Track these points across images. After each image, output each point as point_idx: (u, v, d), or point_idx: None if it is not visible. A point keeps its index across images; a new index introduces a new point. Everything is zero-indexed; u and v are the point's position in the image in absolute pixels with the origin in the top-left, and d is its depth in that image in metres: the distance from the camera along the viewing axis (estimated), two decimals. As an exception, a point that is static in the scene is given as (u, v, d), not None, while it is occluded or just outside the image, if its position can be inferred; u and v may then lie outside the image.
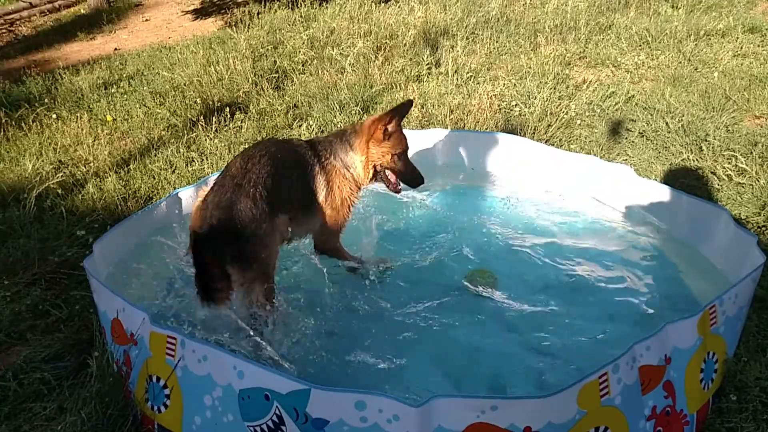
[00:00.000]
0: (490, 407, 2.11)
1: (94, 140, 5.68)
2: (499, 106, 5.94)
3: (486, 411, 2.11)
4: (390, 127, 3.38)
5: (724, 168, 4.52)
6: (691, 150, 4.86)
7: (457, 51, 7.31)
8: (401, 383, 2.78)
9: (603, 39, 7.66)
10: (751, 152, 4.67)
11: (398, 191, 3.58)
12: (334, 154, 3.42)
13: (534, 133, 5.46)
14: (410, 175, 3.52)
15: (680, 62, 6.88)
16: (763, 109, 5.53)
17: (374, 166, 3.45)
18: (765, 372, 2.70)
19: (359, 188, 3.51)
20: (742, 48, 7.10)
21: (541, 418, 2.13)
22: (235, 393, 2.32)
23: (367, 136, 3.40)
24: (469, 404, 2.13)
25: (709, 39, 7.45)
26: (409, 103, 3.48)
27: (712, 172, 4.56)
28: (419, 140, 4.86)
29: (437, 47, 7.58)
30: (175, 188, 4.60)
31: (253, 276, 2.93)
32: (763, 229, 3.86)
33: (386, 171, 3.50)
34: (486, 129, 5.58)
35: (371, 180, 3.51)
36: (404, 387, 2.75)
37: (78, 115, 6.21)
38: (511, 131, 5.46)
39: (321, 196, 3.35)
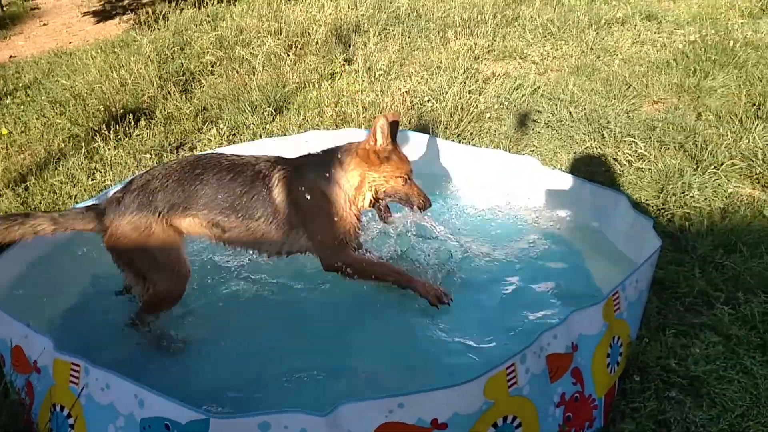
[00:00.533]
0: (397, 405, 2.11)
1: (-12, 156, 5.35)
2: (411, 102, 5.97)
3: (393, 410, 2.11)
4: (379, 148, 3.10)
5: (624, 154, 4.70)
6: (594, 138, 5.02)
7: (370, 48, 7.30)
8: (313, 395, 2.75)
9: (510, 32, 7.82)
10: (650, 137, 4.87)
11: (389, 222, 3.33)
12: (312, 172, 3.18)
13: (446, 127, 5.52)
14: (417, 200, 3.22)
15: (583, 51, 7.11)
16: (660, 94, 5.78)
17: (375, 192, 3.20)
18: (665, 351, 2.82)
19: (350, 206, 3.22)
20: (640, 35, 7.40)
21: (447, 409, 2.14)
22: (137, 422, 2.22)
23: (363, 159, 3.15)
24: (376, 405, 2.12)
25: (610, 27, 7.73)
26: (395, 122, 3.23)
27: (614, 159, 4.72)
28: (334, 142, 4.83)
29: (350, 44, 7.55)
30: (76, 203, 4.39)
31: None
32: (662, 211, 4.03)
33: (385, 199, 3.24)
34: (399, 126, 5.57)
35: (369, 206, 3.26)
36: (314, 399, 2.71)
37: (-31, 129, 5.84)
38: (424, 127, 5.51)
39: (283, 214, 3.14)
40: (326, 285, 3.42)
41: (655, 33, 7.45)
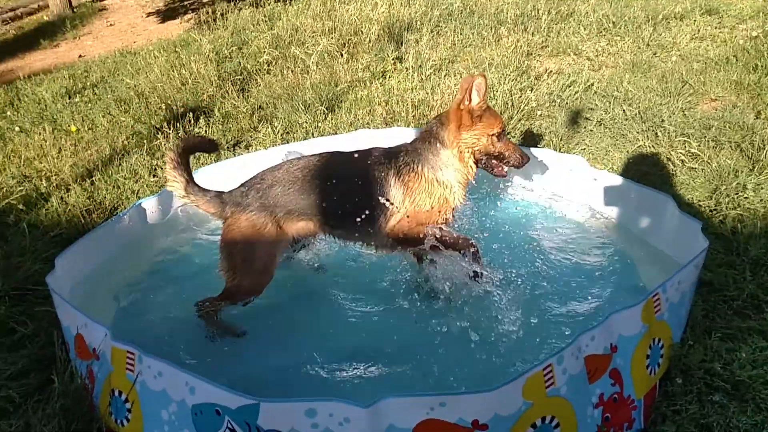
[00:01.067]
0: (439, 404, 2.18)
1: (59, 152, 5.66)
2: (461, 99, 5.98)
3: (435, 408, 2.18)
4: (475, 107, 3.13)
5: (678, 153, 4.62)
6: (647, 136, 4.95)
7: (421, 45, 7.35)
8: (355, 387, 2.85)
9: (564, 27, 7.75)
10: (705, 136, 4.77)
11: (503, 175, 3.36)
12: (418, 160, 3.23)
13: (496, 125, 5.51)
14: (513, 156, 3.30)
15: (639, 47, 6.98)
16: (718, 91, 5.64)
17: (473, 154, 3.24)
18: (710, 354, 2.80)
19: (456, 187, 3.25)
20: (699, 31, 7.22)
21: (487, 411, 2.20)
22: (188, 408, 2.36)
23: (456, 123, 3.18)
24: (418, 402, 2.19)
25: (668, 23, 7.56)
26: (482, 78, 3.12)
27: (667, 158, 4.65)
28: (381, 140, 4.92)
29: (401, 42, 7.62)
30: (139, 198, 4.61)
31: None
32: (714, 212, 3.96)
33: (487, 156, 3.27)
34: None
35: (475, 168, 3.29)
36: (358, 390, 2.81)
37: (42, 126, 6.18)
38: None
39: (395, 205, 3.21)
40: (369, 285, 3.52)
41: (715, 28, 7.25)
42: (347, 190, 3.22)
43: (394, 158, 3.25)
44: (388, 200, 3.19)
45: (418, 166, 3.20)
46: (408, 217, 3.19)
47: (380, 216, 3.21)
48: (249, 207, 3.26)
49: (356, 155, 3.32)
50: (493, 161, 3.31)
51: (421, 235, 3.18)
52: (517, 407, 2.23)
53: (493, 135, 3.20)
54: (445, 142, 3.21)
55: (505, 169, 3.35)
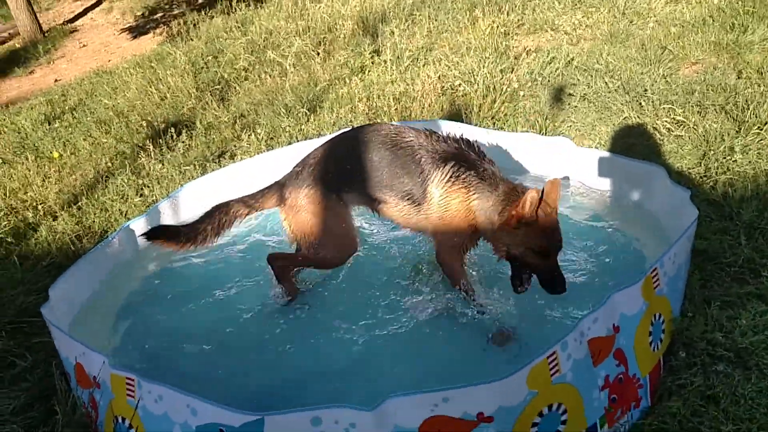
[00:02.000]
0: (442, 399, 2.17)
1: (43, 180, 5.61)
2: (442, 88, 5.96)
3: (439, 404, 2.17)
4: (525, 215, 2.84)
5: (663, 122, 4.60)
6: (632, 107, 4.93)
7: (397, 36, 7.29)
8: (359, 391, 2.83)
9: (539, 3, 7.67)
10: (689, 102, 4.75)
11: (519, 292, 3.07)
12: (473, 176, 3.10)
13: (479, 110, 5.49)
14: (546, 279, 2.95)
15: (615, 17, 6.92)
16: (698, 54, 5.60)
17: (507, 251, 3.02)
18: (710, 324, 2.79)
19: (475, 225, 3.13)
20: (674, -6, 7.17)
21: (492, 403, 2.19)
22: (192, 429, 2.34)
23: (502, 219, 2.98)
24: (422, 400, 2.18)
25: (642, -11, 7.50)
26: (553, 184, 2.93)
27: (653, 128, 4.63)
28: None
29: (377, 35, 7.56)
30: (128, 219, 4.58)
31: None
32: (705, 178, 3.94)
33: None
34: (432, 114, 5.61)
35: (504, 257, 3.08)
36: (361, 393, 2.80)
37: (24, 155, 6.13)
38: (456, 112, 5.50)
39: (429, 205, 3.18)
40: (364, 285, 3.51)
41: (689, -10, 7.20)
42: (391, 173, 3.24)
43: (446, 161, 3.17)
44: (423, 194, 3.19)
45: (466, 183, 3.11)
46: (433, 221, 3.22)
47: (411, 206, 3.24)
48: (304, 183, 3.34)
49: (406, 136, 3.28)
50: (524, 271, 3.07)
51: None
52: (522, 397, 2.22)
53: (530, 248, 2.93)
54: (493, 218, 3.05)
55: (526, 285, 3.07)
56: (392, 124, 3.47)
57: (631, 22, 6.72)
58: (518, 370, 2.20)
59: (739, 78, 5.01)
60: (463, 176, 3.10)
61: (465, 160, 3.15)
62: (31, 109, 7.81)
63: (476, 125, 4.95)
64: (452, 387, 2.20)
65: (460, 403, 2.17)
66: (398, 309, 3.29)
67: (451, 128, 4.58)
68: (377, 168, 3.24)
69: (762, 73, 4.91)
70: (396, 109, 5.70)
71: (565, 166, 4.10)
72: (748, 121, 4.29)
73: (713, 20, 6.04)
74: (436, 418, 2.18)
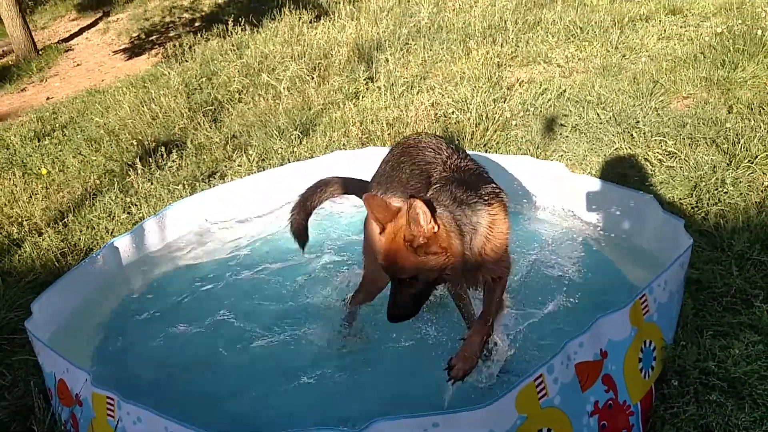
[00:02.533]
0: (432, 424, 2.12)
1: (30, 197, 5.55)
2: (435, 115, 5.99)
3: (428, 429, 2.13)
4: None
5: (655, 153, 4.62)
6: (623, 138, 4.95)
7: (392, 64, 7.35)
8: (344, 413, 2.77)
9: (533, 36, 7.78)
10: (680, 134, 4.78)
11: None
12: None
13: (472, 138, 5.51)
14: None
15: (608, 51, 7.02)
16: (689, 89, 5.67)
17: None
18: (703, 353, 2.75)
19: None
20: (665, 30, 7.28)
21: (482, 428, 2.14)
22: (170, 452, 2.27)
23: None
24: (410, 424, 2.14)
25: (634, 25, 7.62)
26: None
27: (644, 159, 4.65)
28: (358, 160, 4.89)
29: (372, 62, 7.61)
30: (113, 236, 4.51)
31: None
32: (696, 209, 3.94)
33: None
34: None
35: None
36: (344, 416, 2.73)
37: (11, 171, 6.07)
38: (449, 139, 5.50)
39: None
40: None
41: (680, 27, 7.32)
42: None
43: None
44: None
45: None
46: None
47: None
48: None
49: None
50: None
51: None
52: (512, 422, 2.18)
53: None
54: None
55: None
56: (434, 137, 3.27)
57: (623, 56, 6.81)
58: (506, 394, 2.16)
59: (729, 113, 5.06)
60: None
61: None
62: (21, 125, 7.76)
63: (469, 151, 4.94)
64: (442, 412, 2.15)
65: (450, 429, 2.12)
66: (388, 328, 3.22)
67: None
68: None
69: (752, 109, 4.96)
70: (389, 134, 5.70)
71: (558, 191, 4.09)
72: (738, 155, 4.31)
73: (704, 57, 6.12)
74: (424, 443, 2.13)
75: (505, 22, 8.12)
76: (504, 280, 2.82)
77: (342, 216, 4.60)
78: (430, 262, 2.47)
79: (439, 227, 2.46)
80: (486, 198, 2.70)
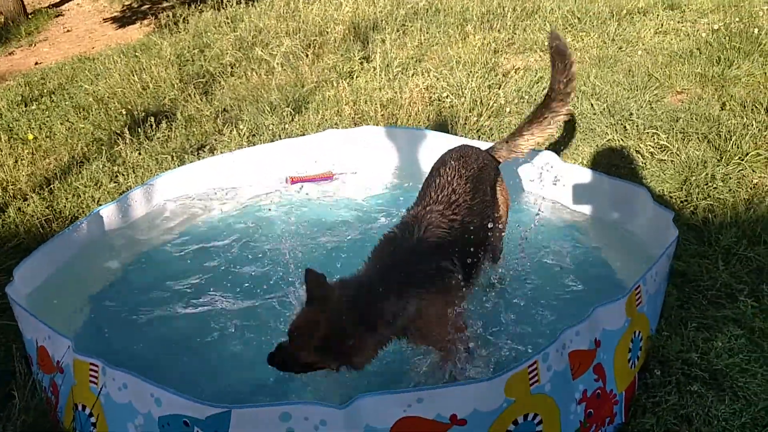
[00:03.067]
0: (416, 400, 2.12)
1: (15, 161, 5.46)
2: (430, 98, 5.95)
3: (412, 404, 2.12)
4: None
5: (647, 146, 4.63)
6: (616, 130, 4.96)
7: (388, 45, 7.28)
8: (332, 389, 2.77)
9: (530, 24, 7.74)
10: (673, 128, 4.79)
11: None
12: None
13: (465, 123, 5.49)
14: None
15: (605, 42, 7.00)
16: (684, 84, 5.67)
17: None
18: (686, 345, 2.78)
19: None
20: (663, 25, 7.27)
21: (466, 406, 2.15)
22: (155, 420, 2.25)
23: None
24: (395, 399, 2.13)
25: (632, 18, 7.60)
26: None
27: (636, 151, 4.66)
28: (351, 139, 4.87)
29: (368, 41, 7.54)
30: (99, 206, 4.46)
31: None
32: (685, 203, 3.96)
33: None
34: (418, 122, 5.59)
35: None
36: (335, 392, 2.73)
37: (-4, 135, 5.96)
38: (443, 123, 5.49)
39: None
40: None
41: (678, 22, 7.31)
42: None
43: None
44: None
45: None
46: None
47: None
48: None
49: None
50: None
51: None
52: (498, 404, 2.18)
53: None
54: None
55: None
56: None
57: (620, 48, 6.80)
58: (497, 376, 2.16)
59: (722, 109, 5.07)
60: None
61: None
62: (8, 89, 7.61)
63: (462, 137, 4.93)
64: (427, 387, 2.15)
65: (433, 405, 2.13)
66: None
67: (439, 138, 4.60)
68: None
69: (745, 106, 4.97)
70: (383, 115, 5.67)
71: (549, 180, 4.09)
72: (729, 151, 4.33)
73: (700, 53, 6.13)
74: (408, 419, 2.13)
75: (504, 9, 8.07)
76: (452, 356, 2.68)
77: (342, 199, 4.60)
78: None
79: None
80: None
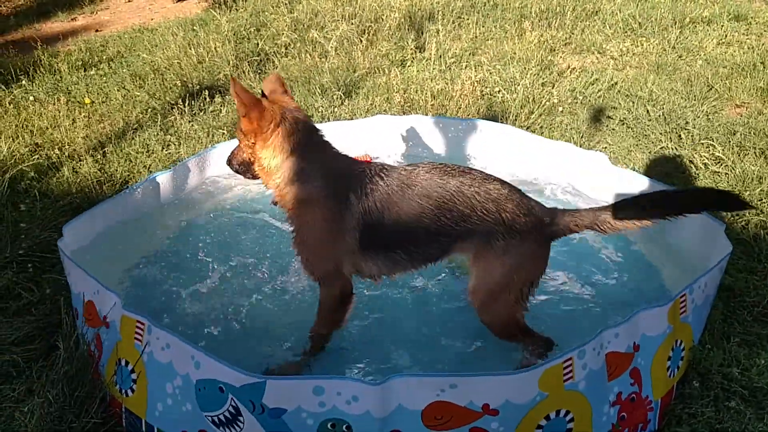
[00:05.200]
0: (449, 385, 2.13)
1: (72, 123, 5.61)
2: (482, 92, 5.91)
3: (446, 389, 2.14)
4: None
5: (701, 156, 4.53)
6: (671, 138, 4.87)
7: (442, 36, 7.26)
8: (366, 366, 2.79)
9: (589, 25, 7.64)
10: (729, 141, 4.68)
11: None
12: None
13: (516, 120, 5.45)
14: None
15: (665, 49, 6.87)
16: (744, 98, 5.54)
17: None
18: (728, 359, 2.73)
19: None
20: (726, 36, 7.11)
21: (499, 396, 2.15)
22: (192, 383, 2.31)
23: None
24: (429, 383, 2.15)
25: (695, 26, 7.44)
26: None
27: (689, 161, 4.57)
28: (400, 126, 4.86)
29: (422, 31, 7.53)
30: (150, 172, 4.56)
31: None
32: (737, 217, 3.87)
33: None
34: (468, 115, 5.56)
35: None
36: (367, 370, 2.75)
37: (56, 97, 6.13)
38: (493, 118, 5.45)
39: None
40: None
41: (743, 34, 7.14)
42: None
43: None
44: None
45: None
46: None
47: None
48: None
49: None
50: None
51: None
52: (531, 396, 2.18)
53: None
54: None
55: None
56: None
57: (679, 56, 6.66)
58: (532, 368, 2.16)
59: (783, 126, 4.93)
60: None
61: None
62: (69, 54, 7.80)
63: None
64: (462, 374, 2.16)
65: (467, 392, 2.14)
66: (422, 289, 3.26)
67: (491, 127, 4.57)
68: None
69: (807, 125, 4.83)
70: (432, 105, 5.66)
71: (598, 181, 4.03)
72: (787, 169, 4.22)
73: (764, 66, 5.98)
74: (440, 404, 2.15)
75: (563, 8, 7.97)
76: (322, 294, 2.81)
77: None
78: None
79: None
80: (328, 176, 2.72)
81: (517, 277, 2.61)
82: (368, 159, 4.82)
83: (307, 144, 2.75)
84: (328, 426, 2.17)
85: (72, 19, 10.21)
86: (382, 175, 2.72)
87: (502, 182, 2.73)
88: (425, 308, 3.18)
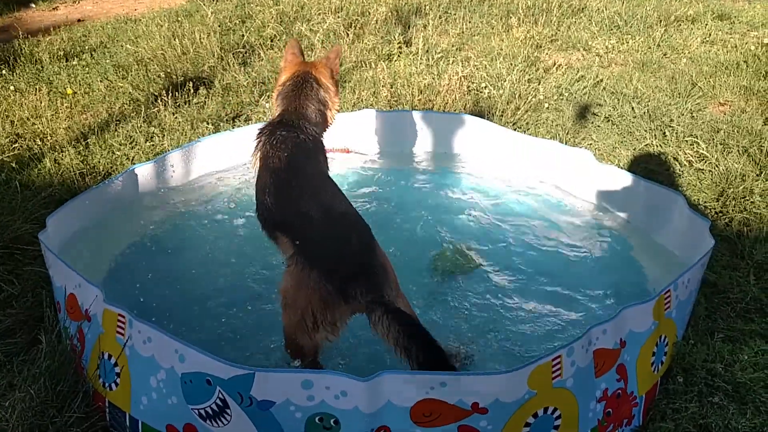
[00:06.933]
0: (439, 383, 2.12)
1: (54, 114, 5.52)
2: (468, 87, 5.92)
3: (435, 387, 2.13)
4: None
5: (685, 154, 4.57)
6: (655, 135, 4.90)
7: (429, 30, 7.25)
8: (355, 362, 2.78)
9: (575, 22, 7.67)
10: (713, 139, 4.73)
11: None
12: None
13: (502, 115, 5.45)
14: None
15: (650, 47, 6.93)
16: (727, 96, 5.59)
17: None
18: (711, 355, 2.75)
19: None
20: (710, 35, 7.17)
21: (488, 395, 2.15)
22: (178, 376, 2.28)
23: None
24: (418, 380, 2.14)
25: (679, 25, 7.51)
26: None
27: (674, 158, 4.60)
28: (389, 121, 4.85)
29: (409, 26, 7.52)
30: (133, 164, 4.50)
31: None
32: (720, 215, 3.91)
33: None
34: (454, 110, 5.56)
35: None
36: (357, 366, 2.74)
37: (37, 87, 6.02)
38: (479, 113, 5.45)
39: None
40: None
41: (726, 33, 7.21)
42: None
43: None
44: None
45: None
46: None
47: None
48: None
49: None
50: None
51: None
52: (520, 395, 2.18)
53: None
54: None
55: None
56: None
57: (664, 54, 6.72)
58: (521, 367, 2.16)
59: (765, 124, 5.01)
60: None
61: None
62: (51, 43, 7.67)
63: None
64: (451, 373, 2.16)
65: (456, 390, 2.13)
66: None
67: (478, 124, 4.58)
68: None
69: (789, 123, 4.89)
70: (419, 99, 5.65)
71: (583, 179, 4.05)
72: (769, 167, 4.26)
73: (747, 65, 6.04)
74: (429, 401, 2.14)
75: (550, 4, 7.99)
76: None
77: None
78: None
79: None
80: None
81: None
82: (347, 151, 4.82)
83: None
84: (316, 420, 2.15)
85: (53, 9, 10.05)
86: None
87: None
88: (417, 307, 3.17)
